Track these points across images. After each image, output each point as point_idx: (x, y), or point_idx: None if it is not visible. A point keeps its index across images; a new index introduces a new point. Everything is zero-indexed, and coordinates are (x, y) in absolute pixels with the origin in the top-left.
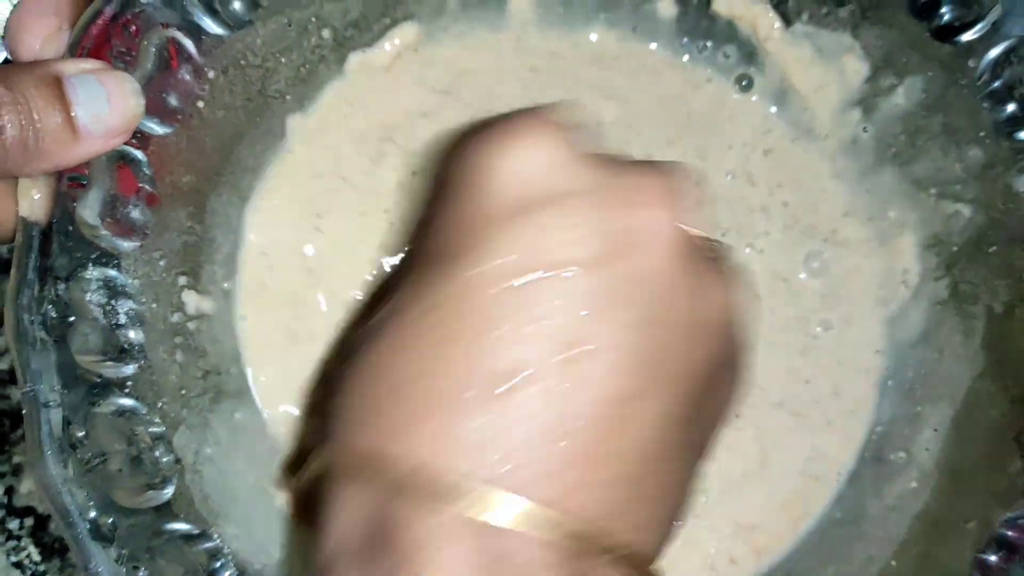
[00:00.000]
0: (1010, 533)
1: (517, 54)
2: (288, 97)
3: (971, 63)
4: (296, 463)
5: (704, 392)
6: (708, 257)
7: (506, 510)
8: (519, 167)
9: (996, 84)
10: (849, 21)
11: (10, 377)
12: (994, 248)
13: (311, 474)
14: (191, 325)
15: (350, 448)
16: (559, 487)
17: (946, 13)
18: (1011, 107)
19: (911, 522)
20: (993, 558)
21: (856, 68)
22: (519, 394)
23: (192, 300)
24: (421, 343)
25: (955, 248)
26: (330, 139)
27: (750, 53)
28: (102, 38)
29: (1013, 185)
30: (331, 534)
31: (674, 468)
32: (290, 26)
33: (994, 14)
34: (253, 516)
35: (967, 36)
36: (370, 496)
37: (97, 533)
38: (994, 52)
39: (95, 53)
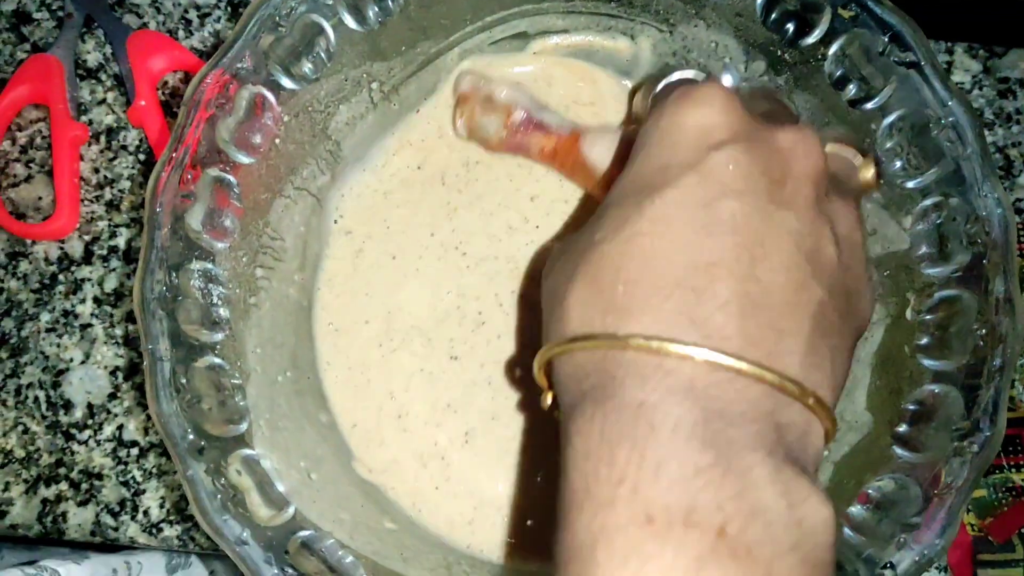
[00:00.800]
0: (870, 492)
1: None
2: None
3: (873, 126)
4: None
5: (847, 290)
6: (836, 185)
7: (722, 368)
8: (699, 122)
9: (889, 144)
10: (785, 87)
11: (124, 341)
12: (887, 272)
13: (553, 353)
14: (267, 307)
15: (581, 333)
16: (762, 350)
17: (853, 87)
18: (898, 163)
19: None
20: (858, 509)
21: None
22: (718, 284)
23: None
24: (630, 252)
25: None
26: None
27: None
28: (210, 93)
29: (901, 223)
30: (571, 393)
31: (836, 344)
32: (347, 81)
33: (888, 90)
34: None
35: (870, 105)
36: (604, 364)
37: (192, 451)
38: (888, 119)
39: (204, 103)
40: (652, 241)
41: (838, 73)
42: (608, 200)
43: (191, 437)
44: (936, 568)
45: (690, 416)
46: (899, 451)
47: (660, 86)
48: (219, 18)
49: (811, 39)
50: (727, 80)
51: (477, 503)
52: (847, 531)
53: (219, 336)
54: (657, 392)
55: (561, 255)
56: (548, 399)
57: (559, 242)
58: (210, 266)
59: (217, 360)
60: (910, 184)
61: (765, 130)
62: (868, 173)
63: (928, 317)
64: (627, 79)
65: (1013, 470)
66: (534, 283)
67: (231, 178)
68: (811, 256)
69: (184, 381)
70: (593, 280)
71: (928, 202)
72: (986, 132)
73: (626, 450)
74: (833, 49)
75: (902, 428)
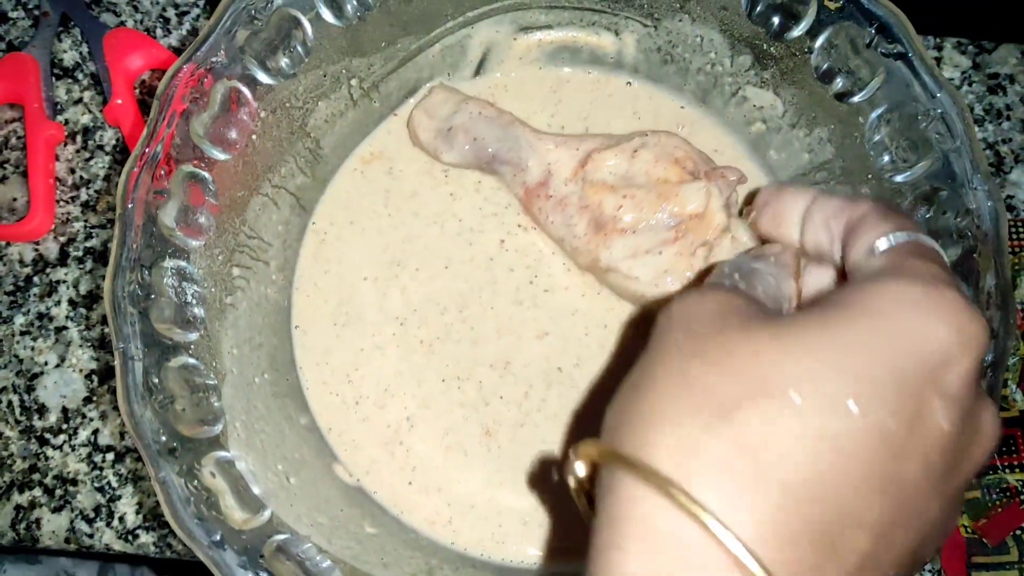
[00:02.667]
0: None
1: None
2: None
3: (861, 119)
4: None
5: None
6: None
7: (717, 541)
8: (942, 346)
9: (877, 137)
10: (771, 82)
11: (99, 344)
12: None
13: (582, 457)
14: (244, 307)
15: (610, 446)
16: (769, 542)
17: (840, 80)
18: (886, 157)
19: None
20: None
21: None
22: (854, 554)
23: (243, 287)
24: (812, 451)
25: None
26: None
27: None
28: (183, 87)
29: None
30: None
31: None
32: (325, 77)
33: (876, 82)
34: (271, 450)
35: (857, 98)
36: (618, 487)
37: (165, 452)
38: (876, 112)
39: (178, 98)
40: (830, 456)
41: (825, 66)
42: (804, 325)
43: (163, 438)
44: (930, 571)
45: (655, 570)
46: None
47: (888, 235)
48: (197, 16)
49: (797, 32)
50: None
51: (451, 500)
52: None
53: (193, 336)
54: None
55: (707, 323)
56: (581, 498)
57: (715, 292)
58: (184, 264)
59: (191, 360)
60: (899, 178)
61: (979, 400)
62: None
63: None
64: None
65: (1007, 471)
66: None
67: (206, 174)
68: (925, 539)
69: (157, 381)
70: (717, 426)
71: (917, 196)
72: (976, 129)
73: None
74: (819, 42)
75: None
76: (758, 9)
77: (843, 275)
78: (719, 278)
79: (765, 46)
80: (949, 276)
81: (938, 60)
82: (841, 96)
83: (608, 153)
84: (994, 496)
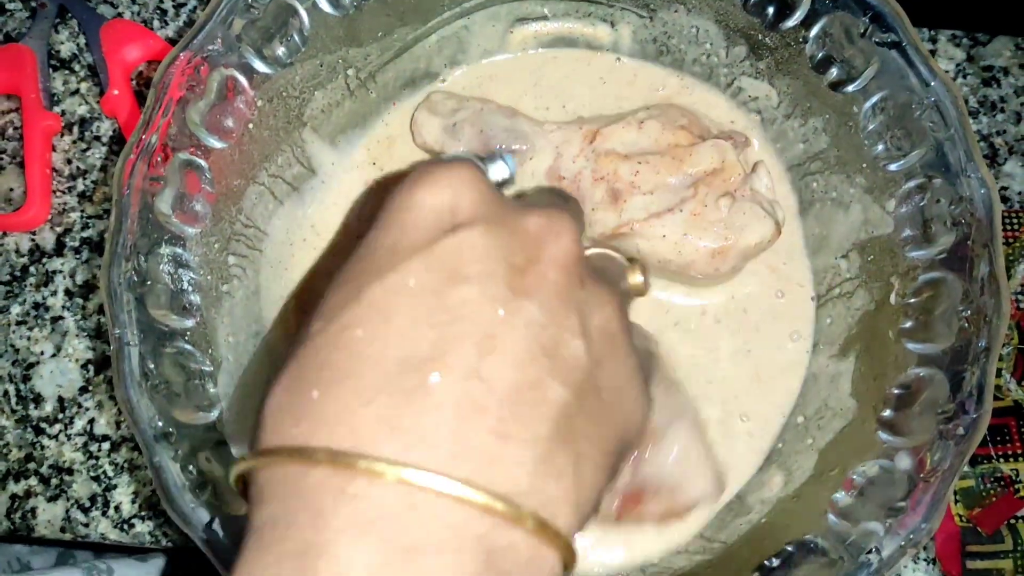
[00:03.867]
0: (854, 478)
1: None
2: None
3: (855, 108)
4: None
5: (600, 389)
6: (598, 276)
7: (417, 489)
8: (437, 202)
9: (871, 126)
10: (766, 73)
11: (95, 333)
12: (871, 256)
13: (239, 470)
14: (240, 295)
15: (270, 445)
16: (477, 462)
17: (835, 70)
18: (880, 146)
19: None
20: (842, 495)
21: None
22: (431, 384)
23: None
24: (340, 346)
25: (843, 256)
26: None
27: None
28: (179, 75)
29: (885, 206)
30: (254, 524)
31: (583, 452)
32: (322, 66)
33: (871, 71)
34: None
35: (851, 88)
36: (283, 488)
37: (160, 438)
38: (870, 101)
39: (174, 86)
40: (364, 333)
41: (819, 56)
42: (334, 281)
43: (159, 424)
44: (924, 560)
45: (367, 559)
46: (884, 436)
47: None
48: (194, 8)
49: (792, 21)
50: (501, 170)
51: None
52: (831, 518)
53: (189, 323)
54: (332, 529)
55: (294, 341)
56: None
57: None
58: (180, 251)
59: (187, 346)
60: (893, 167)
61: (513, 212)
62: (636, 277)
63: (912, 300)
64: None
65: (1001, 460)
66: None
67: (202, 162)
68: (551, 350)
69: (152, 367)
70: (294, 380)
71: (911, 184)
72: (970, 121)
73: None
74: (814, 31)
75: (887, 413)
76: None
77: None
78: None
79: (760, 36)
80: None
81: (933, 52)
82: (836, 86)
83: (615, 127)
84: (988, 485)
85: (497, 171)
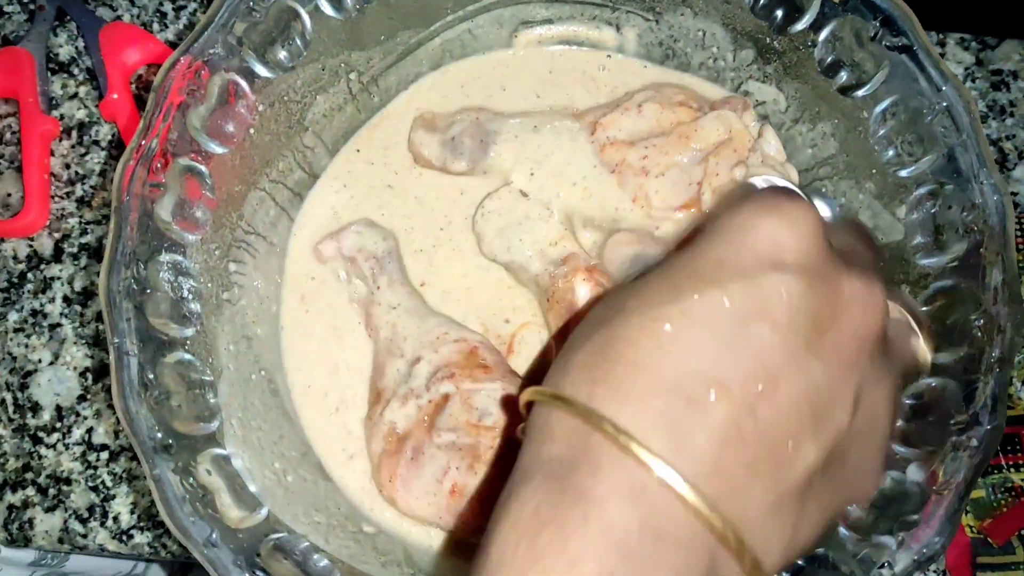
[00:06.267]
0: None
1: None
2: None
3: (865, 113)
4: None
5: (847, 460)
6: (887, 350)
7: (671, 489)
8: (775, 236)
9: (882, 131)
10: (774, 76)
11: (94, 341)
12: (881, 264)
13: (537, 396)
14: (240, 303)
15: (570, 395)
16: (726, 486)
17: (844, 74)
18: (891, 152)
19: None
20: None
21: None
22: (714, 404)
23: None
24: (650, 334)
25: None
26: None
27: None
28: (180, 80)
29: (896, 213)
30: (531, 450)
31: (810, 510)
32: (324, 70)
33: (881, 75)
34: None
35: (861, 92)
36: (571, 435)
37: (160, 450)
38: (880, 106)
39: (174, 90)
40: (673, 333)
41: (829, 60)
42: (660, 269)
43: (159, 435)
44: (934, 571)
45: (626, 523)
46: (896, 447)
47: (753, 180)
48: (195, 10)
49: (800, 25)
50: (823, 209)
51: None
52: (842, 530)
53: (189, 331)
54: (605, 486)
55: (607, 303)
56: (520, 432)
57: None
58: (180, 258)
59: (187, 356)
60: (904, 172)
61: (835, 271)
62: (926, 354)
63: (924, 309)
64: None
65: (1012, 470)
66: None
67: (203, 168)
68: (820, 414)
69: (152, 377)
70: (605, 346)
71: (923, 190)
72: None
73: (552, 533)
74: (823, 35)
75: (899, 423)
76: (761, 2)
77: None
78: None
79: (768, 40)
80: (784, 189)
81: (941, 56)
82: (845, 90)
83: (614, 115)
84: (999, 496)
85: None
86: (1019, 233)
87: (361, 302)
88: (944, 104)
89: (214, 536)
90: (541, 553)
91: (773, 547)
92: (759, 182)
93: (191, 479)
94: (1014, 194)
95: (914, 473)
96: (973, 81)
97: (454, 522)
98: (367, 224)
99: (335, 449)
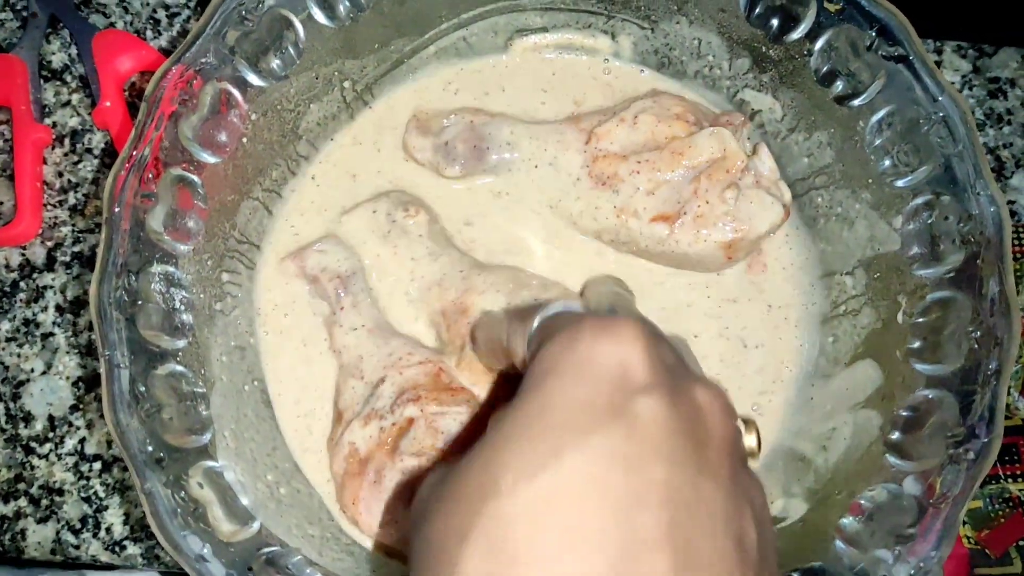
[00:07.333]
0: (862, 503)
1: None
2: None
3: (861, 123)
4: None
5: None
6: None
7: None
8: (619, 359)
9: (878, 141)
10: (770, 85)
11: (87, 350)
12: (878, 274)
13: None
14: (234, 314)
15: None
16: None
17: (841, 83)
18: (887, 162)
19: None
20: (850, 520)
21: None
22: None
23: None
24: (550, 513)
25: (848, 272)
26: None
27: None
28: (171, 89)
29: (892, 223)
30: None
31: None
32: (317, 79)
33: (877, 85)
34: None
35: (857, 102)
36: None
37: (151, 463)
38: (877, 116)
39: (166, 100)
40: (576, 505)
41: (825, 69)
42: (508, 430)
43: (150, 448)
44: None
45: None
46: (892, 459)
47: (549, 311)
48: (188, 18)
49: (796, 34)
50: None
51: None
52: (839, 544)
53: (181, 343)
54: None
55: (446, 491)
56: None
57: (440, 466)
58: (172, 269)
59: (179, 367)
60: (900, 183)
61: (683, 381)
62: (751, 440)
63: (920, 320)
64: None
65: (1010, 480)
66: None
67: (195, 178)
68: (739, 542)
69: (143, 389)
70: (495, 546)
71: (919, 201)
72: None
73: None
74: (819, 44)
75: (895, 435)
76: (757, 11)
77: None
78: None
79: (764, 49)
80: (582, 315)
81: (938, 64)
82: (841, 99)
83: (609, 125)
84: (997, 506)
85: None
86: (1017, 242)
87: (325, 321)
88: (941, 114)
89: (206, 550)
90: None
91: None
92: (556, 308)
93: (183, 492)
94: (1011, 202)
95: (911, 486)
96: (970, 89)
97: None
98: (333, 242)
99: (314, 463)
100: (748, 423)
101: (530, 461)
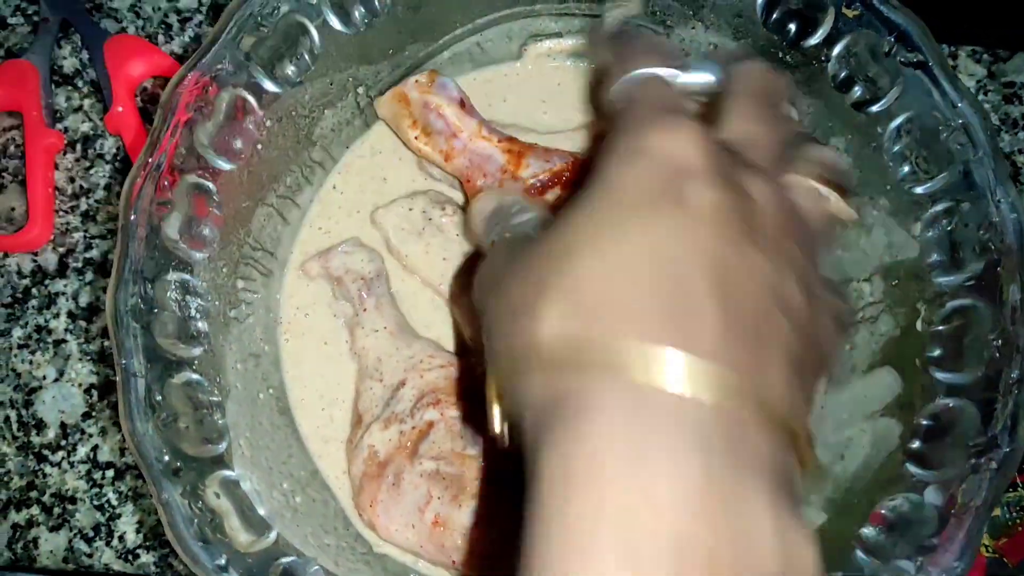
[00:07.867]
0: (884, 512)
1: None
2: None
3: (879, 129)
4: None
5: (813, 332)
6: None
7: (666, 368)
8: (674, 151)
9: (896, 148)
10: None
11: (99, 357)
12: (896, 281)
13: (496, 379)
14: (248, 321)
15: (565, 340)
16: (751, 375)
17: (859, 89)
18: (905, 168)
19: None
20: (870, 530)
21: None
22: (704, 308)
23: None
24: (618, 264)
25: (865, 279)
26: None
27: None
28: (187, 96)
29: (911, 230)
30: (535, 410)
31: (806, 383)
32: (332, 85)
33: (896, 91)
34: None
35: (875, 108)
36: (542, 380)
37: (168, 472)
38: (895, 122)
39: (181, 106)
40: (637, 258)
41: (843, 75)
42: (576, 208)
43: (167, 458)
44: None
45: (686, 441)
46: (913, 469)
47: (624, 79)
48: (200, 23)
49: (814, 40)
50: (704, 76)
51: None
52: (860, 555)
53: (197, 351)
54: (648, 414)
55: (522, 259)
56: (498, 424)
57: (495, 248)
58: (188, 277)
59: (195, 376)
60: (919, 189)
61: (736, 174)
62: (845, 209)
63: (940, 328)
64: None
65: None
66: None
67: (210, 185)
68: (781, 299)
69: (159, 398)
70: (571, 297)
71: (938, 208)
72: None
73: (611, 471)
74: (837, 50)
75: (916, 444)
76: (774, 16)
77: None
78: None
79: (781, 54)
80: (662, 98)
81: (953, 69)
82: (859, 105)
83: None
84: (1015, 515)
85: (699, 77)
86: None
87: (347, 322)
88: (960, 121)
89: (223, 561)
90: (601, 495)
91: (805, 424)
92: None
93: (199, 503)
94: None
95: (932, 496)
96: (985, 94)
97: (436, 553)
98: (356, 244)
99: (336, 468)
100: (839, 189)
101: (597, 228)
